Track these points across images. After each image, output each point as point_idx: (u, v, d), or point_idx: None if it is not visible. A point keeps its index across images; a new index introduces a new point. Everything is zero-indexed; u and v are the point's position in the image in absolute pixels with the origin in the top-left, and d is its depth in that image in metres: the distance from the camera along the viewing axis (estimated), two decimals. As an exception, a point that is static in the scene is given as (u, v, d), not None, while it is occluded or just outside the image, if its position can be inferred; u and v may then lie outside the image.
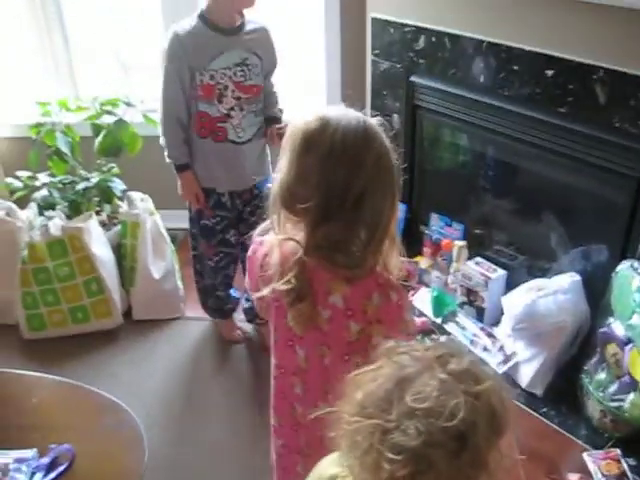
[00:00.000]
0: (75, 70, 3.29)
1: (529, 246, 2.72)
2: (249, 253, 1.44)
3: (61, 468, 1.48)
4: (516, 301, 2.40)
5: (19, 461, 1.49)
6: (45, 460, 1.50)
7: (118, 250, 2.79)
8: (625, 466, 2.07)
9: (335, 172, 1.25)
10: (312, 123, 1.26)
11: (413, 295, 2.84)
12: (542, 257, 2.64)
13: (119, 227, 2.79)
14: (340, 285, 1.31)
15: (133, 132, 2.75)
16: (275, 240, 1.34)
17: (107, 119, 2.79)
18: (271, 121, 2.37)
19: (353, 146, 1.25)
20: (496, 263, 2.70)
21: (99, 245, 2.67)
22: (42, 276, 2.62)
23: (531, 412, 2.33)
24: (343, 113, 1.28)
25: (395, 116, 2.90)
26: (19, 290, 2.65)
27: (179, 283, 2.83)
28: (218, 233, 2.46)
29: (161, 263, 2.76)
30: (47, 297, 2.65)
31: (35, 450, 1.51)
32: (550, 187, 2.57)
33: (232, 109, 2.27)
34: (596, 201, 2.40)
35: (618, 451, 2.13)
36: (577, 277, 2.42)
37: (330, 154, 1.25)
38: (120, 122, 2.70)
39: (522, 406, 2.35)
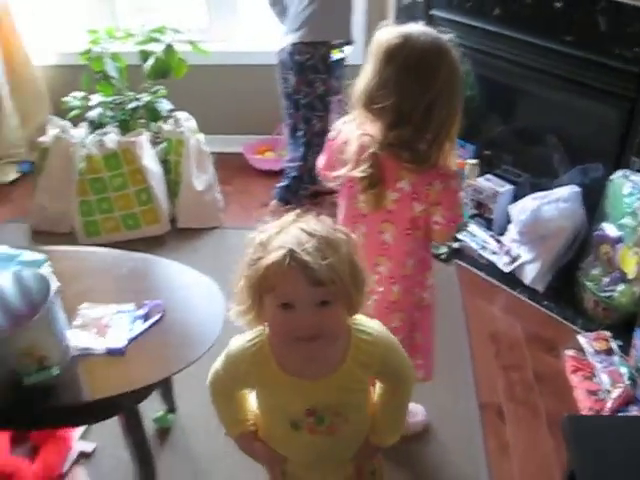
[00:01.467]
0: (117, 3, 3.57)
1: (533, 165, 3.01)
2: (330, 136, 1.75)
3: (156, 317, 1.80)
4: (522, 208, 2.73)
5: (120, 312, 1.82)
6: (141, 312, 1.82)
7: (163, 165, 3.09)
8: (613, 344, 2.42)
9: (410, 83, 1.52)
10: (393, 39, 1.54)
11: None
12: (545, 175, 2.94)
13: (164, 144, 3.08)
14: (408, 174, 1.62)
15: (180, 58, 3.02)
16: (354, 133, 1.64)
17: (153, 47, 3.05)
18: None
19: (428, 62, 1.52)
20: (503, 180, 3.02)
21: (149, 159, 2.97)
22: (98, 186, 2.93)
23: (534, 304, 2.68)
24: (422, 31, 1.54)
25: (415, 47, 3.17)
26: (76, 199, 2.95)
27: (219, 195, 3.14)
28: None
29: (203, 176, 3.06)
30: (102, 205, 2.95)
31: (133, 304, 1.84)
32: (554, 110, 2.86)
33: None
34: (594, 121, 2.70)
35: (607, 333, 2.48)
36: (576, 188, 2.74)
37: (408, 67, 1.52)
38: (168, 47, 2.97)
39: (526, 300, 2.70)
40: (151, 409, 2.08)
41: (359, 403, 1.35)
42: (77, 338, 1.69)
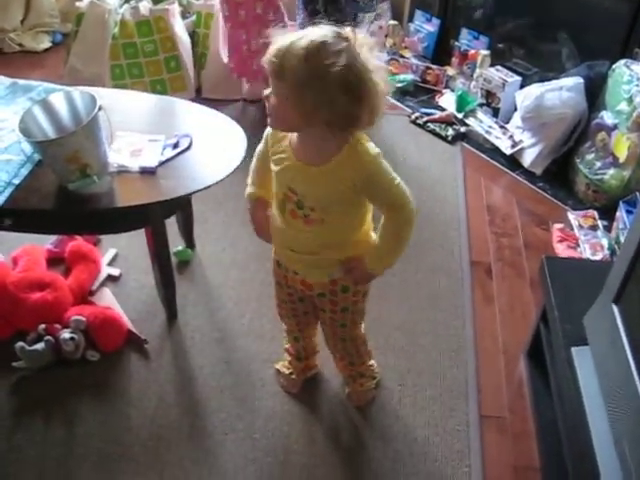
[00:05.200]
0: None
1: (543, 59, 3.17)
2: None
3: (184, 146, 2.00)
4: (527, 94, 2.89)
5: (152, 140, 2.02)
6: (171, 141, 2.02)
7: (191, 38, 3.24)
8: (599, 222, 2.63)
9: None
10: None
11: (440, 97, 3.33)
12: (553, 69, 3.10)
13: (194, 17, 3.24)
14: None
15: None
16: None
17: None
18: None
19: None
20: (513, 72, 3.17)
21: (179, 28, 3.13)
22: (130, 51, 3.10)
23: (530, 185, 2.87)
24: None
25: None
26: (109, 63, 3.13)
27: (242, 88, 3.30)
28: None
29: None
30: (133, 70, 3.13)
31: (163, 135, 2.04)
32: (566, 5, 2.99)
33: None
34: (602, 15, 2.84)
35: (595, 212, 2.68)
36: (580, 80, 2.89)
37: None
38: None
39: (524, 181, 2.90)
40: (173, 245, 2.31)
41: (340, 208, 1.47)
42: (114, 157, 1.90)
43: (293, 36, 1.29)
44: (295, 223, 1.49)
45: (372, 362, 1.95)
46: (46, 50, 3.77)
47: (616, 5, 2.74)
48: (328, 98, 1.27)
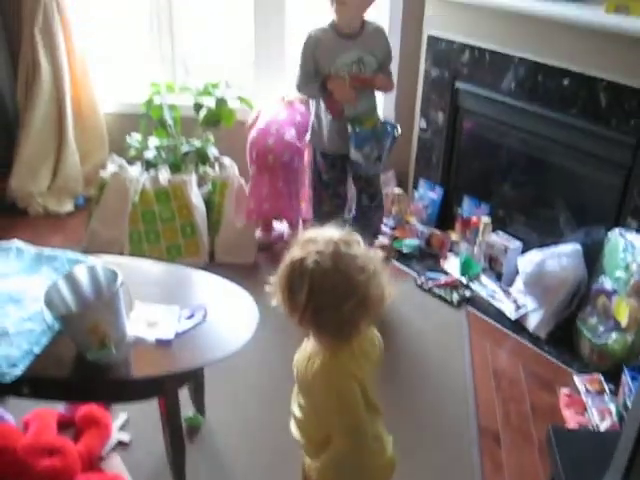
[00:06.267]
0: (177, 62, 4.02)
1: (542, 225, 3.31)
2: None
3: (199, 317, 2.08)
4: (528, 260, 3.01)
5: (169, 311, 2.11)
6: (187, 312, 2.11)
7: (206, 205, 3.43)
8: (605, 386, 2.65)
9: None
10: None
11: (445, 262, 3.46)
12: (552, 234, 3.23)
13: (210, 186, 3.44)
14: None
15: (230, 109, 3.41)
16: None
17: (206, 100, 3.45)
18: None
19: None
20: (514, 237, 3.31)
21: (196, 197, 3.32)
22: (148, 217, 3.27)
23: (535, 349, 2.92)
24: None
25: (440, 114, 3.55)
26: (128, 229, 3.29)
27: (255, 235, 3.46)
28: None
29: (242, 216, 3.39)
30: (150, 235, 3.29)
31: (179, 306, 2.13)
32: (561, 176, 3.18)
33: None
34: (595, 185, 3.01)
35: (601, 376, 2.71)
36: (578, 246, 3.02)
37: None
38: (221, 100, 3.36)
39: (528, 344, 2.95)
40: (184, 411, 2.34)
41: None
42: (131, 328, 1.98)
43: (297, 255, 1.41)
44: None
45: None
46: (69, 213, 3.95)
47: (607, 176, 2.91)
48: (335, 304, 1.38)
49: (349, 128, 2.88)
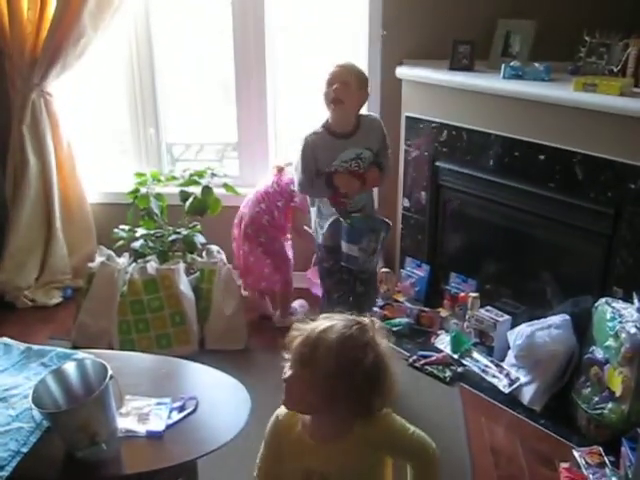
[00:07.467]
0: (163, 153, 4.11)
1: (529, 298, 3.33)
2: None
3: (190, 408, 2.06)
4: (518, 333, 3.01)
5: (159, 404, 2.09)
6: (178, 404, 2.08)
7: (195, 292, 3.43)
8: (605, 459, 2.61)
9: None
10: None
11: (436, 339, 3.46)
12: (540, 306, 3.25)
13: (198, 273, 3.45)
14: None
15: (216, 198, 3.47)
16: None
17: (192, 188, 3.51)
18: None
19: None
20: (502, 311, 3.33)
21: (184, 285, 3.33)
22: (137, 307, 3.27)
23: (532, 423, 2.88)
24: None
25: (422, 193, 3.62)
26: (117, 319, 3.28)
27: (245, 320, 3.46)
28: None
29: (231, 302, 3.40)
30: (139, 325, 3.28)
31: (170, 398, 2.11)
32: (545, 248, 3.23)
33: None
34: (579, 256, 3.06)
35: (600, 448, 2.67)
36: (567, 317, 3.03)
37: None
38: (207, 189, 3.42)
39: (524, 419, 2.92)
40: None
41: (367, 475, 1.56)
42: (122, 422, 1.96)
43: (319, 326, 1.45)
44: None
45: None
46: (57, 305, 3.94)
47: (590, 247, 2.96)
48: (354, 389, 1.42)
49: (344, 222, 2.91)
